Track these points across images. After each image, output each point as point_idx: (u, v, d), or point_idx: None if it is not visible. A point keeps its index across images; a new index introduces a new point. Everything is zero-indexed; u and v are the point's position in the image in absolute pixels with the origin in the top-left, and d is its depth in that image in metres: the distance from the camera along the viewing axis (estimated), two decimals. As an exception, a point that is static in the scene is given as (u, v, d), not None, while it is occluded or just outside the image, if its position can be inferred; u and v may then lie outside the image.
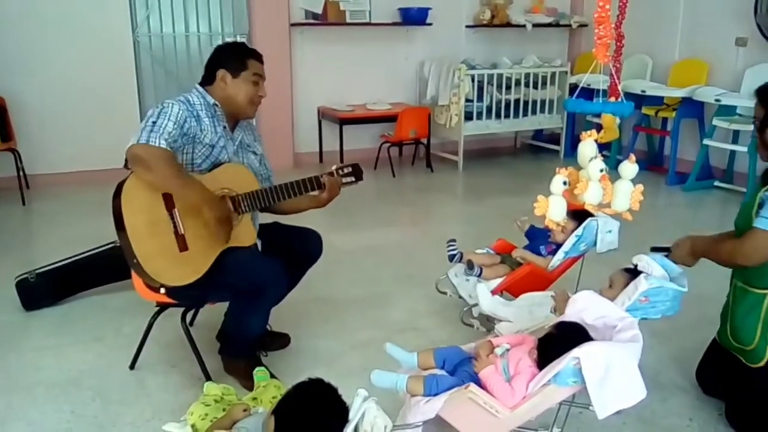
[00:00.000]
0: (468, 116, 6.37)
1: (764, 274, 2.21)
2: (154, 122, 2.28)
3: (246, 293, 2.42)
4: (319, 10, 6.13)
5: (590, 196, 2.41)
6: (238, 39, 5.97)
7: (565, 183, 2.36)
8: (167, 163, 2.25)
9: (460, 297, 2.98)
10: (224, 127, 2.53)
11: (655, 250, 2.49)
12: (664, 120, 6.11)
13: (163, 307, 2.57)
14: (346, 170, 2.67)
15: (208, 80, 2.54)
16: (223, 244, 2.41)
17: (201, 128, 2.44)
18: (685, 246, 2.38)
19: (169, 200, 2.32)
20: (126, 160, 2.27)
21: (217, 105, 2.50)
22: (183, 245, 2.33)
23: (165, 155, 2.25)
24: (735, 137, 5.51)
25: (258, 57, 2.59)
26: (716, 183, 5.58)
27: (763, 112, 2.22)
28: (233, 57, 2.54)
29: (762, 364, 2.23)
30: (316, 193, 2.62)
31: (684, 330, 2.81)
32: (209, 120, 2.47)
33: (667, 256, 2.38)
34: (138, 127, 2.29)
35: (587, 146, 2.31)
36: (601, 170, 2.40)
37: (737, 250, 2.16)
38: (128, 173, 2.31)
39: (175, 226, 2.33)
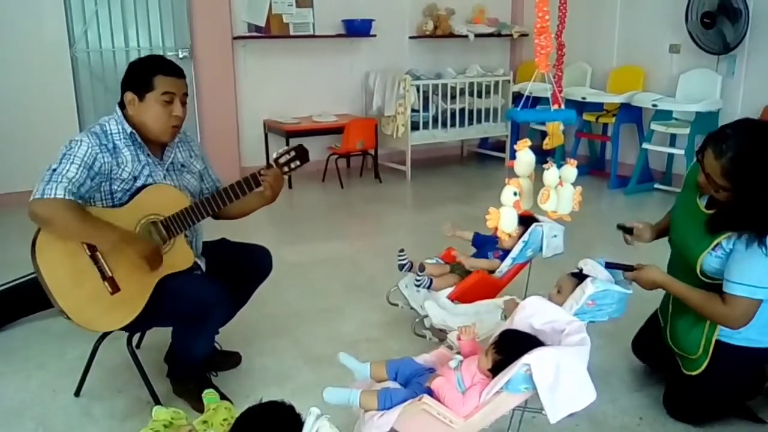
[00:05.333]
0: (414, 126, 6.41)
1: None
2: (54, 169, 2.15)
3: (187, 319, 2.33)
4: (262, 23, 6.09)
5: (550, 204, 2.45)
6: (180, 53, 5.88)
7: (515, 194, 2.38)
8: (67, 214, 2.11)
9: (412, 308, 2.98)
10: (148, 155, 2.36)
11: (611, 266, 2.38)
12: (605, 125, 6.26)
13: (107, 331, 2.49)
14: (288, 156, 2.47)
15: (122, 103, 2.35)
16: (158, 275, 2.30)
17: (118, 162, 2.28)
18: (652, 277, 2.31)
19: (90, 243, 2.20)
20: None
21: (134, 133, 2.32)
22: (114, 287, 2.23)
23: (62, 205, 2.10)
24: (672, 140, 5.69)
25: (169, 71, 2.32)
26: (656, 185, 5.74)
27: (728, 184, 2.06)
28: (138, 77, 2.31)
29: (696, 373, 2.31)
30: (260, 189, 2.43)
31: (630, 330, 2.86)
32: (129, 150, 2.31)
33: (624, 273, 2.38)
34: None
35: (527, 155, 2.35)
36: (559, 177, 2.45)
37: (727, 319, 2.16)
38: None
39: (101, 270, 2.21)
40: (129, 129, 2.32)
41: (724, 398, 2.33)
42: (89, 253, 2.21)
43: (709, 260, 2.20)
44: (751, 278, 2.08)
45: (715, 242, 2.17)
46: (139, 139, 2.34)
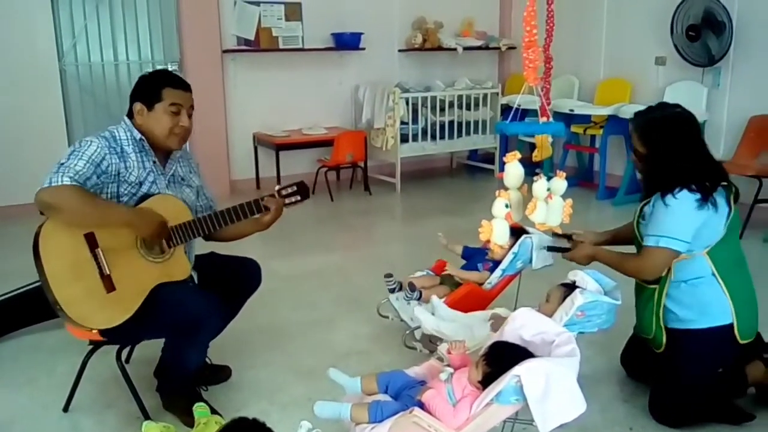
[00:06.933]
0: (404, 138, 6.44)
1: None
2: (62, 163, 2.20)
3: (180, 330, 2.34)
4: (251, 36, 6.11)
5: (538, 215, 2.47)
6: (170, 67, 5.88)
7: (507, 206, 2.40)
8: (75, 197, 2.15)
9: (402, 320, 2.98)
10: (154, 162, 2.43)
11: (551, 249, 2.66)
12: (593, 137, 6.31)
13: (97, 345, 2.47)
14: (290, 189, 2.57)
15: (131, 113, 2.44)
16: (155, 281, 2.33)
17: (126, 165, 2.34)
18: (585, 251, 2.57)
19: (91, 240, 2.22)
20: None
21: (143, 139, 2.40)
22: (110, 286, 2.24)
23: (70, 190, 2.15)
24: (659, 152, 5.73)
25: (177, 84, 2.44)
26: (644, 196, 5.78)
27: (645, 151, 2.38)
28: (147, 88, 2.42)
29: (662, 349, 2.45)
30: (257, 216, 2.52)
31: (619, 340, 2.88)
32: (137, 155, 2.38)
33: (562, 256, 2.62)
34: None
35: (516, 167, 2.37)
36: (548, 189, 2.47)
37: (640, 269, 2.40)
38: (45, 218, 2.21)
39: (99, 267, 2.23)
40: (138, 135, 2.40)
41: (695, 388, 2.37)
42: (90, 250, 2.22)
43: (642, 229, 2.44)
44: (656, 229, 2.31)
45: (639, 209, 2.47)
46: (147, 146, 2.41)
